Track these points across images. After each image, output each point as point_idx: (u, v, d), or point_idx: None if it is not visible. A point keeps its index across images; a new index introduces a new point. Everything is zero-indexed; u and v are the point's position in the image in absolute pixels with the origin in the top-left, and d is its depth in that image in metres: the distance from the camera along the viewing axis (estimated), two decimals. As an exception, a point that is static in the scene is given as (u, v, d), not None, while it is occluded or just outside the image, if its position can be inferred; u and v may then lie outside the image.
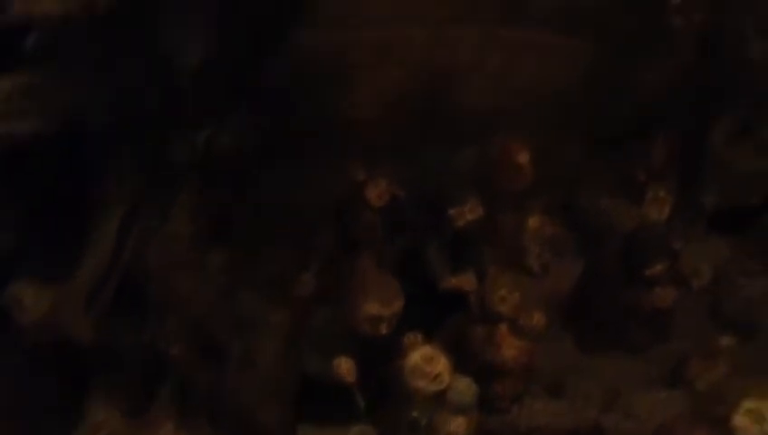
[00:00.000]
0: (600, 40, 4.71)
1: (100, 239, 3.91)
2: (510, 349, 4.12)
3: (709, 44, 4.72)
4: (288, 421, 4.09)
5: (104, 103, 3.91)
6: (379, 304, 3.96)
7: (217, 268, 4.03)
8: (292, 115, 4.24)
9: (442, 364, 3.94)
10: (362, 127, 4.47)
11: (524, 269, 4.40)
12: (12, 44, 3.83)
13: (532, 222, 4.50)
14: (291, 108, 4.23)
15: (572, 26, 4.68)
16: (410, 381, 3.92)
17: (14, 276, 3.85)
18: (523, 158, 4.37)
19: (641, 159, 4.75)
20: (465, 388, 4.02)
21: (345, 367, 4.02)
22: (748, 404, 3.79)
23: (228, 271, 4.01)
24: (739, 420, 3.79)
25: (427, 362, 3.92)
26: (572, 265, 4.38)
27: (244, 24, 4.03)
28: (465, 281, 4.12)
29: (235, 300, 4.03)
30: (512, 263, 4.34)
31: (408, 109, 4.55)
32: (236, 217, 4.06)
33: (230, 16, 3.96)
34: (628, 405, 4.14)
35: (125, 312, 3.91)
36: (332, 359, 4.01)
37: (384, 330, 3.98)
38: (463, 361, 4.06)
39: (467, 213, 4.13)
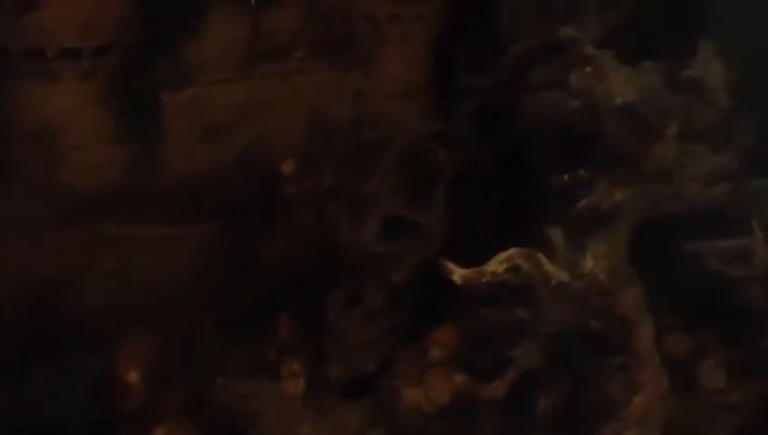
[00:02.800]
0: (223, 221, 4.66)
1: None
2: None
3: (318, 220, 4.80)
4: None
5: None
6: None
7: None
8: None
9: None
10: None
11: None
12: None
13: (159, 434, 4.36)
14: None
15: (192, 213, 4.65)
16: None
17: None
18: (133, 377, 4.30)
19: (272, 338, 4.74)
20: None
21: None
22: None
23: None
24: None
25: None
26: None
27: None
28: None
29: None
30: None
31: (12, 326, 4.39)
32: None
33: None
34: None
35: None
36: None
37: None
38: None
39: None
